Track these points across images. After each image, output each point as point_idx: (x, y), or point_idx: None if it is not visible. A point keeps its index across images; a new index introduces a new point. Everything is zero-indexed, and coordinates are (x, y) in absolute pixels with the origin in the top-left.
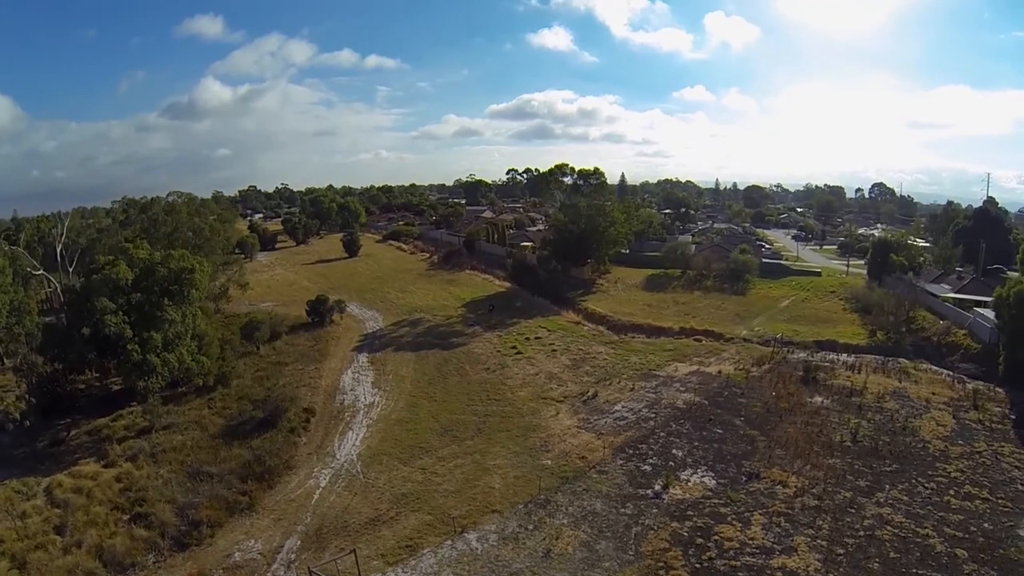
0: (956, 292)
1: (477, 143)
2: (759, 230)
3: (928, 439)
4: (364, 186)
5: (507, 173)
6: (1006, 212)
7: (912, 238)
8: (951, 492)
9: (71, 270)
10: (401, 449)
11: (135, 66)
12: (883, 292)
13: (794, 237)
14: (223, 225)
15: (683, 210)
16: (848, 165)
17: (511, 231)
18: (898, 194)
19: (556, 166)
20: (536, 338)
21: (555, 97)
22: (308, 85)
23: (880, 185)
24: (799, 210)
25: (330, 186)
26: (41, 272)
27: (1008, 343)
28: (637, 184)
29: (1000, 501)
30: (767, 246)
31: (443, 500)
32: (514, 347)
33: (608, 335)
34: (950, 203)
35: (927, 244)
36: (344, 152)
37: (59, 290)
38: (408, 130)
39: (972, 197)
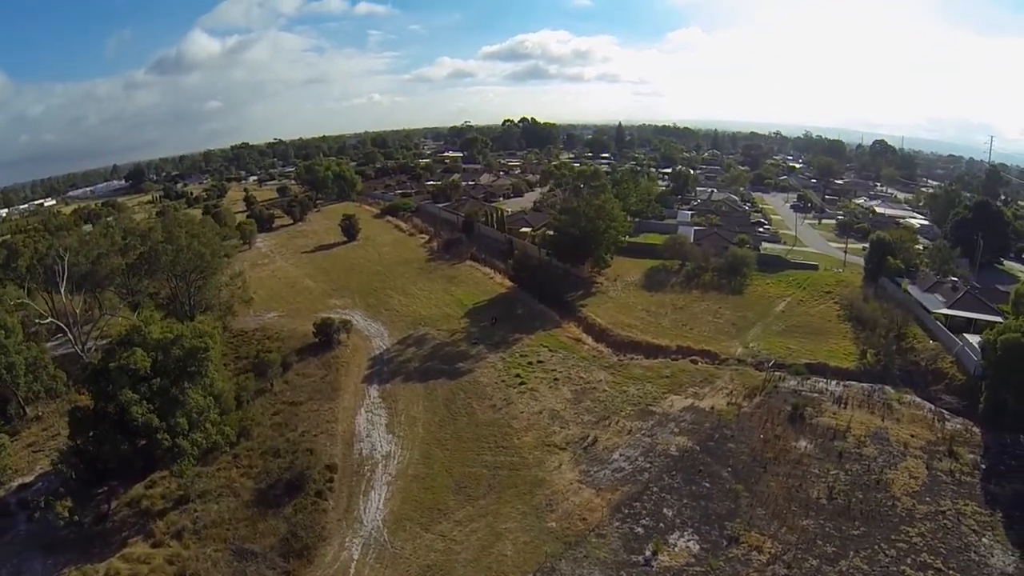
0: (949, 306)
1: (471, 84)
2: (757, 195)
3: (898, 496)
4: (357, 132)
5: (503, 124)
6: (1006, 170)
7: (910, 220)
8: (908, 561)
9: (79, 298)
10: (421, 512)
11: (120, 24)
12: (876, 306)
13: (792, 207)
14: (223, 244)
15: (681, 170)
16: (848, 111)
17: (508, 203)
18: (899, 148)
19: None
20: (539, 362)
21: (550, 38)
22: (298, 32)
23: (881, 142)
24: (798, 166)
25: (324, 137)
26: (49, 320)
27: (991, 385)
28: (635, 126)
29: (951, 572)
30: (765, 224)
31: (463, 571)
32: (518, 375)
33: (607, 356)
34: (954, 173)
35: (925, 223)
36: (336, 98)
37: (72, 338)
38: (401, 73)
39: (974, 145)
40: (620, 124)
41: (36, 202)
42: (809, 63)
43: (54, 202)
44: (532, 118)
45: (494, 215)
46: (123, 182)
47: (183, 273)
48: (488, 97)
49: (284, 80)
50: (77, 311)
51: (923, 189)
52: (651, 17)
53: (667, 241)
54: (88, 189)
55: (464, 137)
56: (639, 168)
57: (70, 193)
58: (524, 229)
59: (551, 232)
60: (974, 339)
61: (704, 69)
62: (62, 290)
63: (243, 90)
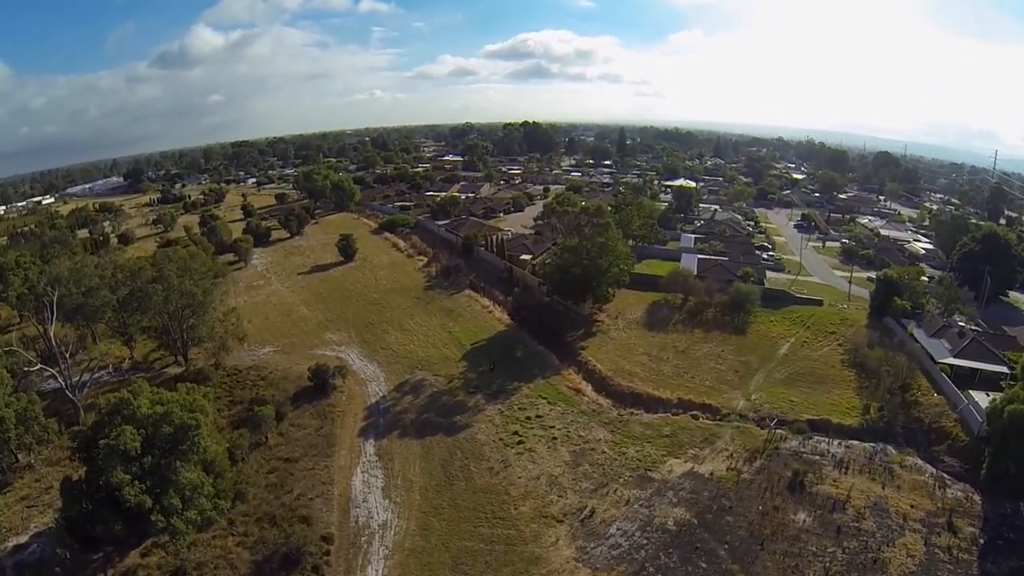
0: (955, 354)
1: (473, 82)
2: (760, 211)
3: None
4: (358, 128)
5: (504, 128)
6: (1008, 183)
7: (915, 243)
8: None
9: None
10: None
11: (123, 17)
12: (881, 353)
13: (796, 227)
14: (215, 280)
15: (684, 185)
16: (849, 115)
17: (508, 218)
18: (902, 154)
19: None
20: (537, 417)
21: (552, 37)
22: (301, 28)
23: (885, 153)
24: (800, 178)
25: (324, 135)
26: (39, 367)
27: (995, 453)
28: (637, 128)
29: None
30: (769, 250)
31: None
32: (516, 433)
33: (607, 410)
34: (956, 184)
35: (930, 247)
36: (338, 93)
37: (63, 384)
38: (403, 70)
39: (975, 151)
40: (622, 130)
41: (34, 199)
42: (810, 67)
43: (52, 200)
44: (534, 121)
45: (494, 240)
46: (121, 180)
47: (175, 311)
48: (489, 95)
49: (286, 75)
50: (69, 345)
51: (927, 204)
52: (653, 19)
53: (670, 275)
54: (86, 186)
55: (465, 138)
56: (642, 182)
57: (68, 190)
58: (524, 256)
59: (551, 262)
60: (979, 396)
61: (706, 71)
62: (51, 326)
63: (245, 84)
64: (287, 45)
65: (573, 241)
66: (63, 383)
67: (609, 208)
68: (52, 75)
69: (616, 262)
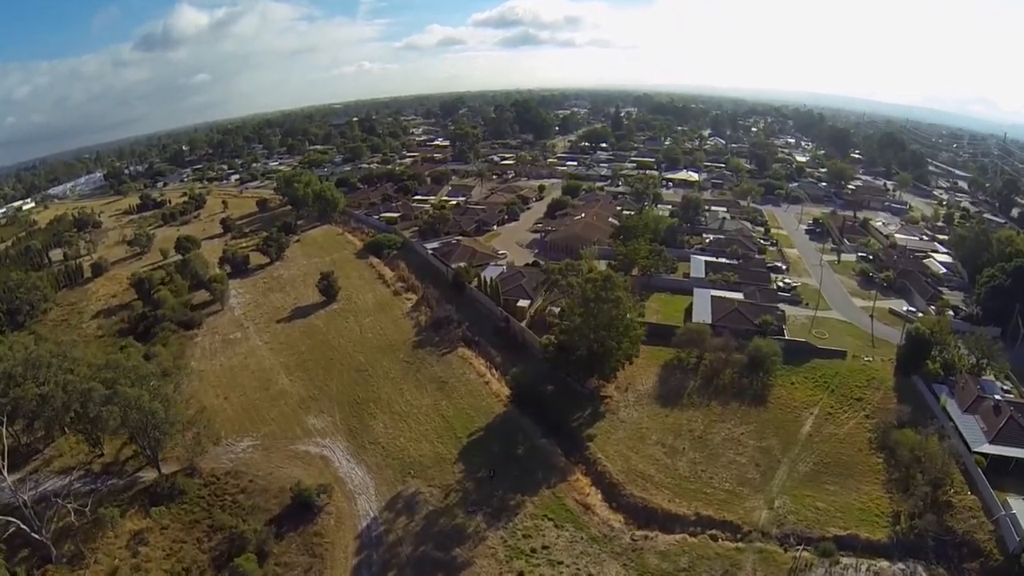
0: (991, 438)
1: (462, 50)
2: (768, 209)
3: None
4: (348, 101)
5: (494, 111)
6: (1010, 163)
7: (933, 256)
8: None
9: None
10: None
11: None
12: (911, 438)
13: (807, 232)
14: (176, 389)
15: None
16: (846, 81)
17: (502, 230)
18: (904, 123)
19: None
20: (543, 548)
21: (540, 4)
22: (288, 2)
23: (889, 135)
24: (803, 159)
25: (311, 116)
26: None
27: None
28: (630, 96)
29: None
30: (783, 271)
31: None
32: (521, 573)
33: (620, 534)
34: (960, 158)
35: (948, 260)
36: (325, 67)
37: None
38: (392, 40)
39: (973, 117)
40: (617, 107)
41: (15, 203)
42: (806, 30)
43: (33, 204)
44: (524, 100)
45: (487, 282)
46: (102, 179)
47: (137, 427)
48: (479, 63)
49: (273, 51)
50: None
51: (937, 192)
52: None
53: (684, 332)
54: (68, 186)
55: (454, 115)
56: (643, 185)
57: (51, 191)
58: (522, 303)
59: (556, 329)
60: (1017, 504)
61: (698, 34)
62: (5, 447)
63: (231, 62)
64: (273, 20)
65: (578, 316)
66: (27, 528)
67: (613, 223)
68: (35, 62)
69: (627, 333)
